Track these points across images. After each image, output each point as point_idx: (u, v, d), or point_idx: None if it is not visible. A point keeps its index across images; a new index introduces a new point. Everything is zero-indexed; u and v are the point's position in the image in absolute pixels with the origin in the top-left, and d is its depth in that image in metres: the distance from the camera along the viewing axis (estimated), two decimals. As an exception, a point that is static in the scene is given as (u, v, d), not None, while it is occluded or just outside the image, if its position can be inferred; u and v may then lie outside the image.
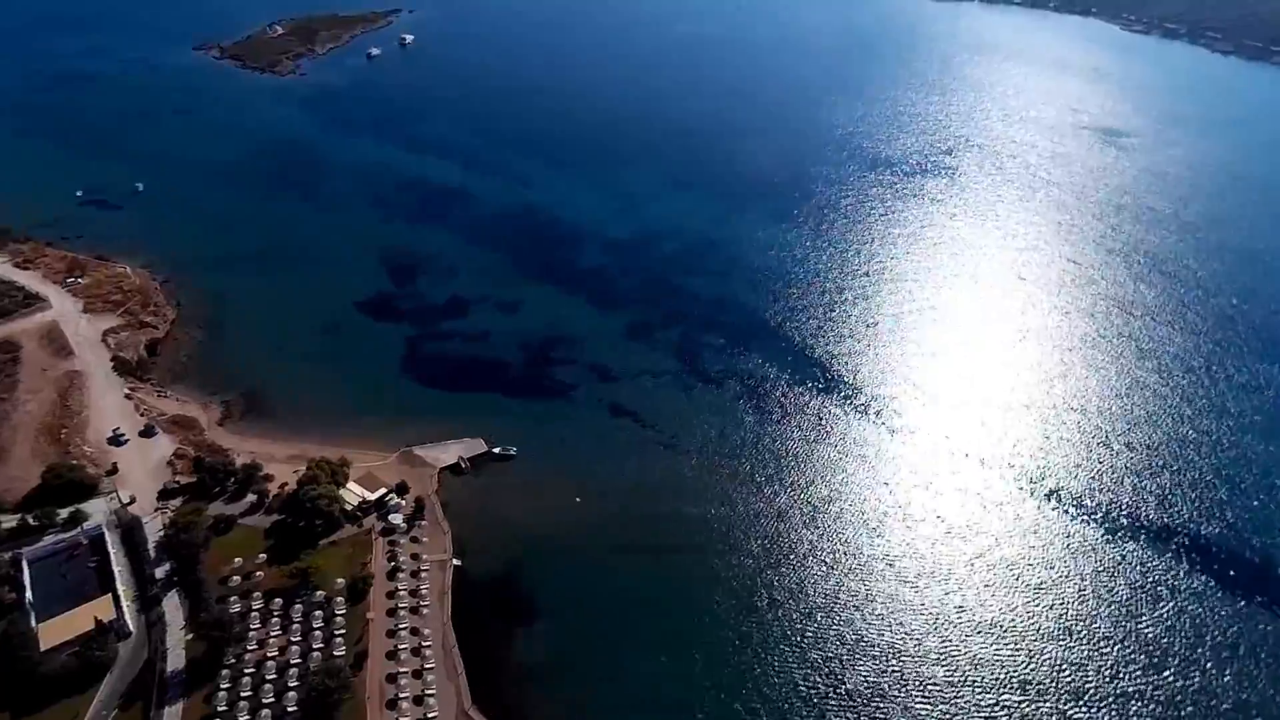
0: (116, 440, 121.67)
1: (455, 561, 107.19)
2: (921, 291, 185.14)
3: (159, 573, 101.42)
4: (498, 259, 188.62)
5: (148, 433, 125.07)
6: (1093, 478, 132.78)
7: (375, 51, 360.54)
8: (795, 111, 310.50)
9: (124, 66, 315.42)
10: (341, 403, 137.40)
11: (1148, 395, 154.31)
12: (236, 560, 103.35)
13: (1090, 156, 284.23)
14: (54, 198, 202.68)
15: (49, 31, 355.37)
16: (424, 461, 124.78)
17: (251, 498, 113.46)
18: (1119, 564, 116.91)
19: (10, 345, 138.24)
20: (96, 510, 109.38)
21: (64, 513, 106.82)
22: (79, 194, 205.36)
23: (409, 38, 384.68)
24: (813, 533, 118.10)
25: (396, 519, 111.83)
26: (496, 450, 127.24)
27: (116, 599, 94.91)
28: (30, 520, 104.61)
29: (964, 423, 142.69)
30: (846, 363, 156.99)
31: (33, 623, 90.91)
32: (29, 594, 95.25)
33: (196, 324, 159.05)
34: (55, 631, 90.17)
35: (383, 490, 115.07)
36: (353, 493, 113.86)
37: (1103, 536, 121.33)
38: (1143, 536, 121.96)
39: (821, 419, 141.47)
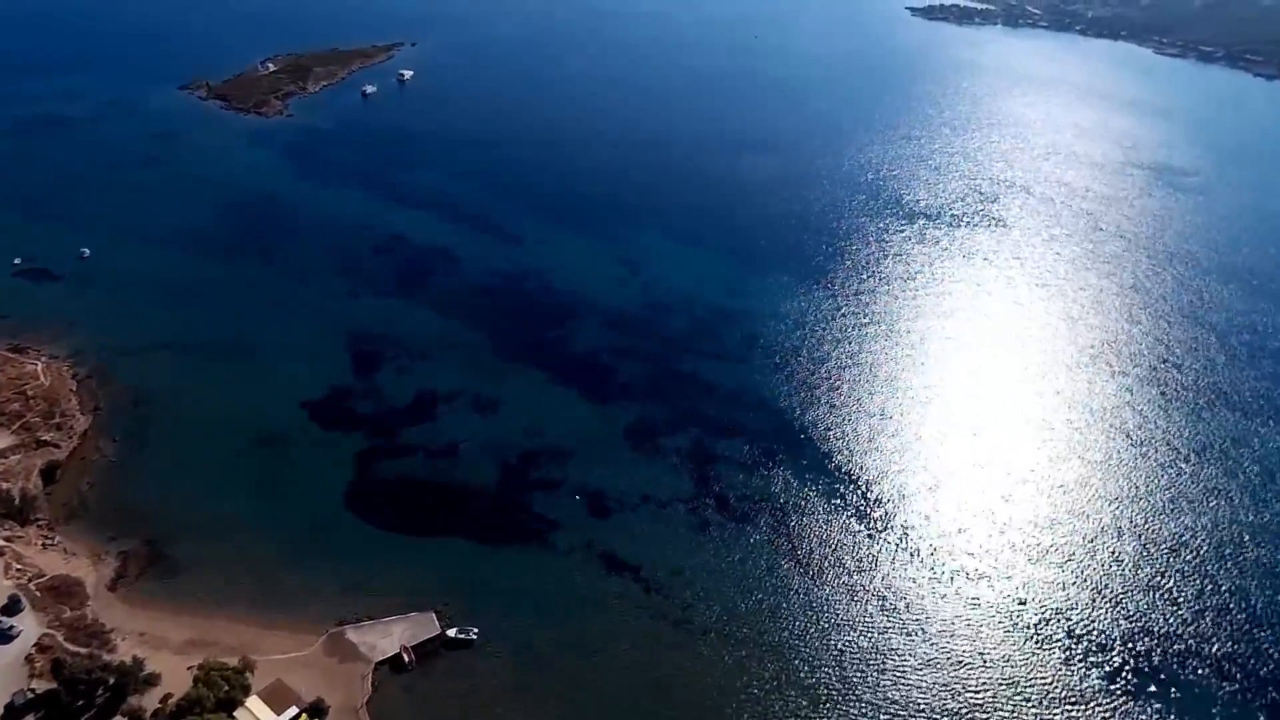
0: (4, 635, 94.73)
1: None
2: (987, 385, 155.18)
3: None
4: (478, 339, 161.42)
5: (11, 608, 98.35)
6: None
7: (370, 89, 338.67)
8: (817, 154, 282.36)
9: (99, 109, 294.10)
10: (265, 553, 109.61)
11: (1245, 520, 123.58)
12: (76, 835, 75.73)
13: (1148, 199, 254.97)
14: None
15: (19, 74, 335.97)
16: (356, 652, 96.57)
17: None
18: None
19: None
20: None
21: None
22: (16, 261, 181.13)
23: (407, 74, 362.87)
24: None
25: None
26: (452, 633, 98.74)
27: None
28: None
29: (1061, 587, 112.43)
30: (901, 485, 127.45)
31: None
32: None
33: (114, 434, 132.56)
34: None
35: (292, 711, 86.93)
36: (251, 715, 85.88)
37: None
38: None
39: (876, 571, 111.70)
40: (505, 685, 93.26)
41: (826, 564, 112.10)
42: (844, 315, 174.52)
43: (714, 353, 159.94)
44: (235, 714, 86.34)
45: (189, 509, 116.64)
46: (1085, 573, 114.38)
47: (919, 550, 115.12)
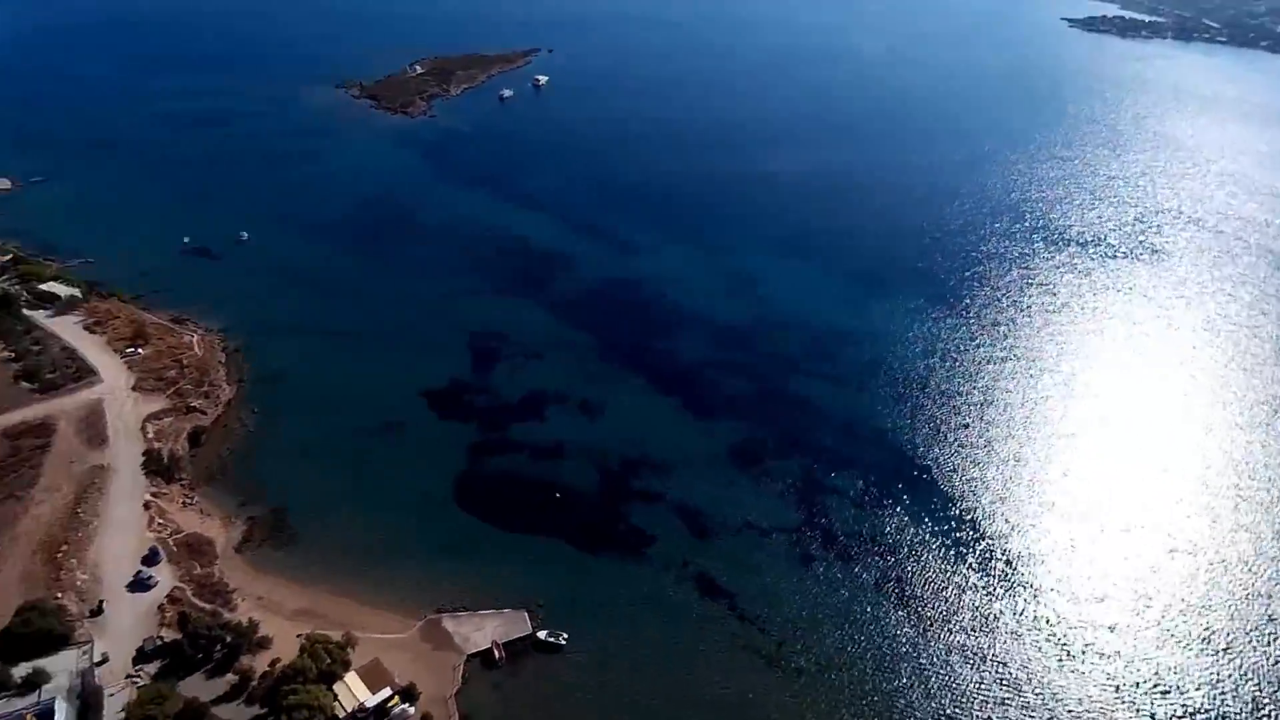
0: (142, 584, 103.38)
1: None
2: (1141, 439, 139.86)
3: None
4: (588, 343, 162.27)
5: (150, 559, 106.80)
6: None
7: (507, 93, 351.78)
8: (957, 171, 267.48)
9: (264, 105, 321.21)
10: (376, 533, 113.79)
11: None
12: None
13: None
14: (162, 244, 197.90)
15: (194, 72, 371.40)
16: (450, 641, 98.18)
17: (232, 678, 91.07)
18: None
19: (45, 429, 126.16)
20: (62, 669, 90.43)
21: (23, 670, 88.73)
22: (185, 240, 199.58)
23: (542, 79, 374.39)
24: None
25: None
26: (542, 635, 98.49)
27: (28, 830, 74.13)
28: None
29: (1215, 681, 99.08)
30: (1033, 541, 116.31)
31: None
32: (-55, 795, 76.46)
33: (253, 406, 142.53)
34: None
35: (386, 693, 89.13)
36: (349, 691, 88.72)
37: None
38: None
39: (996, 635, 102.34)
40: (589, 695, 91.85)
41: (940, 619, 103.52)
42: (979, 347, 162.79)
43: (830, 376, 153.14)
44: (334, 687, 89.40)
45: (313, 483, 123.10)
46: (1246, 668, 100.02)
47: (1048, 618, 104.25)
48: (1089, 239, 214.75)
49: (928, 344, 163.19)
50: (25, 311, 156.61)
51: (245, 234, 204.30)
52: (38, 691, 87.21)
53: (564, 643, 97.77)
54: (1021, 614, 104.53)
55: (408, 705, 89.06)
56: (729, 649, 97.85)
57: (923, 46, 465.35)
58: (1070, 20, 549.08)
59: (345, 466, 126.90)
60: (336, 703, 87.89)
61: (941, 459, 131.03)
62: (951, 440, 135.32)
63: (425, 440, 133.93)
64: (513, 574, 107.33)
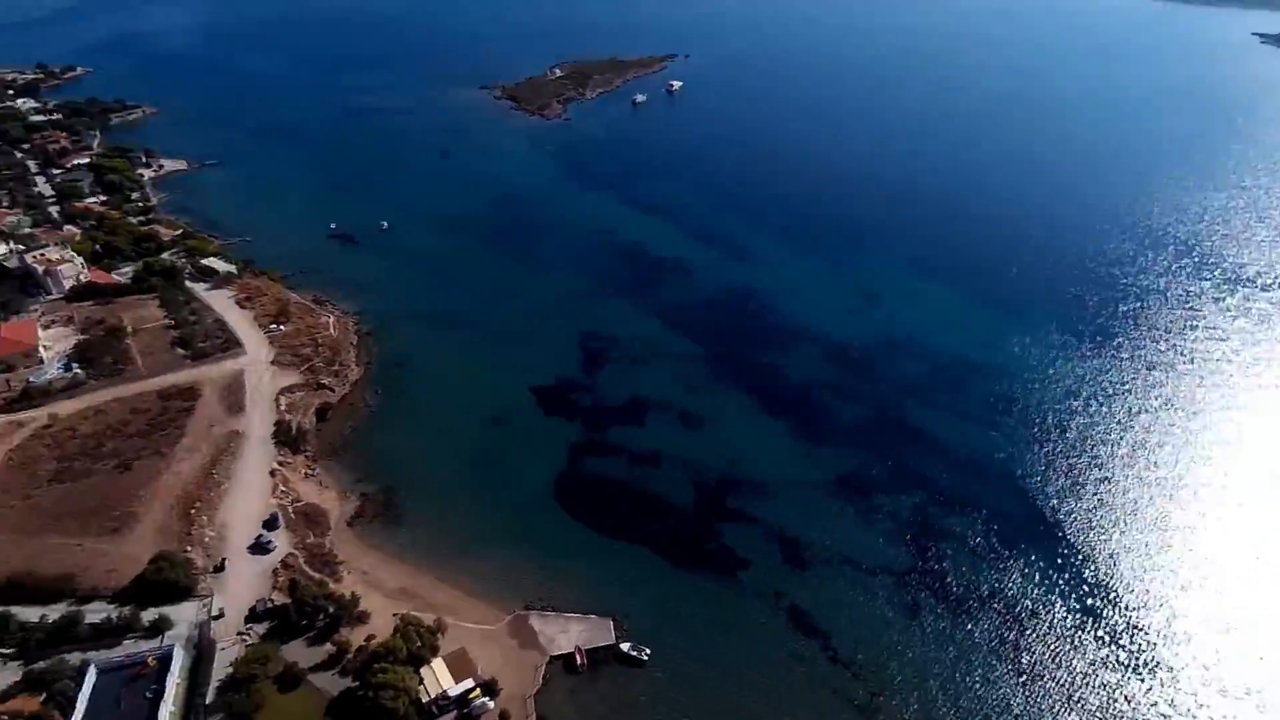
0: (261, 547, 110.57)
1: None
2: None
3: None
4: (696, 353, 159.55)
5: (271, 523, 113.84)
6: None
7: (640, 98, 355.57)
8: (1115, 194, 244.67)
9: (413, 102, 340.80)
10: (476, 523, 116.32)
11: None
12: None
13: None
14: (311, 228, 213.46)
15: (354, 69, 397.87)
16: (535, 640, 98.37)
17: (330, 648, 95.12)
18: None
19: (192, 393, 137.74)
20: (184, 619, 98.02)
21: (150, 616, 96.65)
22: (332, 226, 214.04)
23: (676, 85, 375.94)
24: None
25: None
26: (625, 647, 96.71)
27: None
28: (114, 618, 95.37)
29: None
30: (1179, 618, 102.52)
31: (56, 768, 78.58)
32: (77, 716, 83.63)
33: (377, 388, 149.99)
34: (65, 794, 76.85)
35: (468, 684, 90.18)
36: (434, 677, 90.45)
37: None
38: None
39: None
40: (665, 717, 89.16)
41: (1063, 693, 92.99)
42: (1130, 393, 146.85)
43: (955, 409, 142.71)
44: (421, 671, 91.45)
45: (423, 467, 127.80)
46: None
47: (1191, 709, 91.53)
48: (1269, 281, 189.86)
49: (1071, 384, 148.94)
50: (188, 284, 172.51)
51: (385, 223, 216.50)
52: (161, 637, 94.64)
53: (646, 658, 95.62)
54: (1160, 700, 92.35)
55: (488, 699, 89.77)
56: (817, 691, 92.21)
57: (1096, 61, 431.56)
58: (1263, 35, 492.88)
59: (454, 454, 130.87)
60: (421, 686, 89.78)
61: (1078, 514, 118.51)
62: (1091, 495, 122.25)
63: (529, 435, 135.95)
64: (601, 579, 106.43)
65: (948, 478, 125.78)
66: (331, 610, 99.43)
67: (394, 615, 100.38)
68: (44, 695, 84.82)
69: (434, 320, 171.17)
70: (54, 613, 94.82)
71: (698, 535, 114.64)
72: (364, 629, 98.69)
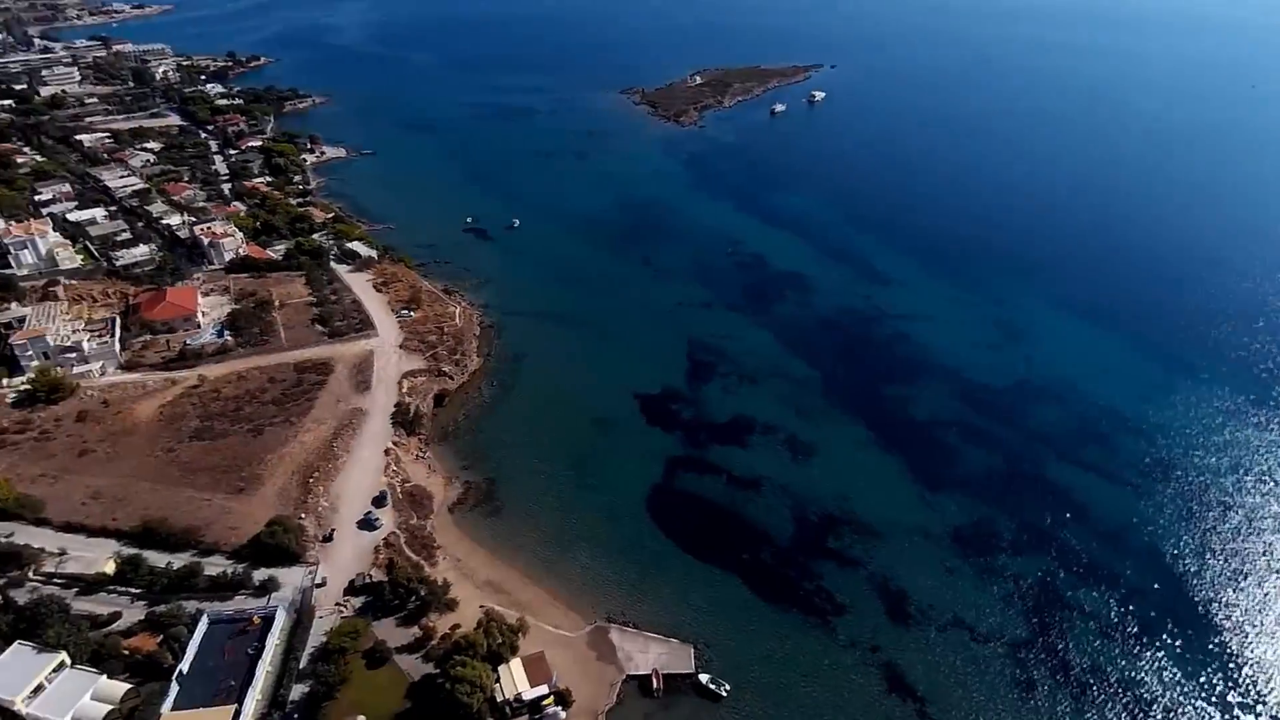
0: (369, 522, 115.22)
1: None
2: None
3: (295, 694, 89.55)
4: (811, 377, 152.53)
5: (380, 501, 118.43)
6: None
7: (780, 108, 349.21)
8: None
9: (554, 105, 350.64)
10: (569, 525, 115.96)
11: None
12: (359, 719, 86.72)
13: None
14: (449, 220, 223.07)
15: (504, 70, 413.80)
16: (613, 655, 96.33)
17: (416, 632, 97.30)
18: None
19: (325, 368, 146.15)
20: (290, 583, 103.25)
21: (261, 575, 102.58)
22: (468, 220, 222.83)
23: (819, 95, 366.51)
24: None
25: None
26: (704, 678, 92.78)
27: (236, 717, 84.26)
28: (229, 573, 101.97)
29: None
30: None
31: (165, 709, 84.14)
32: (186, 663, 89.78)
33: (492, 380, 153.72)
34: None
35: (543, 690, 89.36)
36: (510, 678, 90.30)
37: None
38: None
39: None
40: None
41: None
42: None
43: (1100, 468, 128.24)
44: (499, 668, 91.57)
45: (525, 462, 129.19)
46: None
47: None
48: None
49: (1240, 456, 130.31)
50: (332, 264, 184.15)
51: (517, 220, 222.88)
52: (268, 597, 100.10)
53: (725, 694, 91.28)
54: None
55: (560, 709, 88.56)
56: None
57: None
58: None
59: (556, 452, 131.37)
60: (497, 685, 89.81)
61: (1236, 607, 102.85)
62: (1255, 588, 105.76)
63: (630, 442, 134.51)
64: (686, 602, 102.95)
65: (1083, 545, 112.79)
66: (423, 594, 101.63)
67: (480, 607, 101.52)
68: (161, 637, 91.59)
69: (553, 318, 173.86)
70: (178, 561, 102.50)
71: (793, 571, 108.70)
72: (451, 617, 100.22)
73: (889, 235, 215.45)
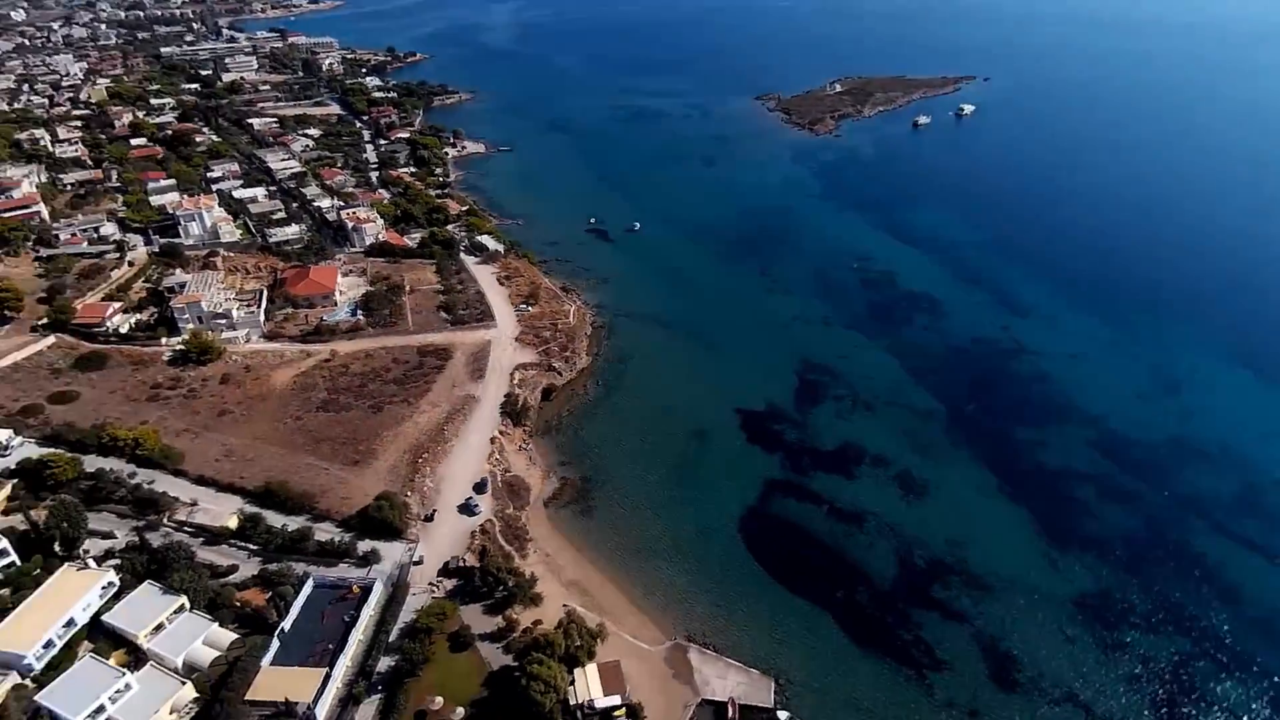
0: (469, 507, 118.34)
1: None
2: None
3: (382, 666, 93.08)
4: (934, 410, 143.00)
5: (480, 487, 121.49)
6: None
7: (923, 120, 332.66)
8: None
9: (689, 110, 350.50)
10: (659, 535, 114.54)
11: None
12: (437, 700, 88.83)
13: None
14: (573, 219, 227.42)
15: (642, 74, 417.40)
16: (690, 676, 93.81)
17: (500, 622, 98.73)
18: None
19: (445, 353, 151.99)
20: (390, 558, 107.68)
21: (365, 547, 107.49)
22: (591, 220, 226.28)
23: (968, 108, 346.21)
24: None
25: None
26: (782, 716, 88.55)
27: (326, 681, 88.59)
28: (336, 541, 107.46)
29: None
30: None
31: (264, 663, 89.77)
32: (288, 621, 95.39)
33: (598, 379, 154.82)
34: (265, 685, 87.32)
35: (615, 700, 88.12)
36: (585, 683, 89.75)
37: None
38: None
39: None
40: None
41: None
42: None
43: (1261, 545, 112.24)
44: (574, 671, 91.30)
45: (622, 465, 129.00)
46: None
47: None
48: None
49: None
50: (462, 255, 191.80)
51: (638, 223, 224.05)
52: (368, 569, 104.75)
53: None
54: None
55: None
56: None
57: None
58: None
59: (653, 459, 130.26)
60: (571, 687, 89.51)
61: None
62: None
63: (728, 457, 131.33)
64: (772, 632, 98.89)
65: (1231, 630, 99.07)
66: (510, 585, 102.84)
67: (563, 606, 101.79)
68: (270, 594, 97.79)
69: (663, 323, 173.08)
70: (293, 524, 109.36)
71: (890, 617, 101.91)
72: (534, 611, 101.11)
73: (1035, 262, 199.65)
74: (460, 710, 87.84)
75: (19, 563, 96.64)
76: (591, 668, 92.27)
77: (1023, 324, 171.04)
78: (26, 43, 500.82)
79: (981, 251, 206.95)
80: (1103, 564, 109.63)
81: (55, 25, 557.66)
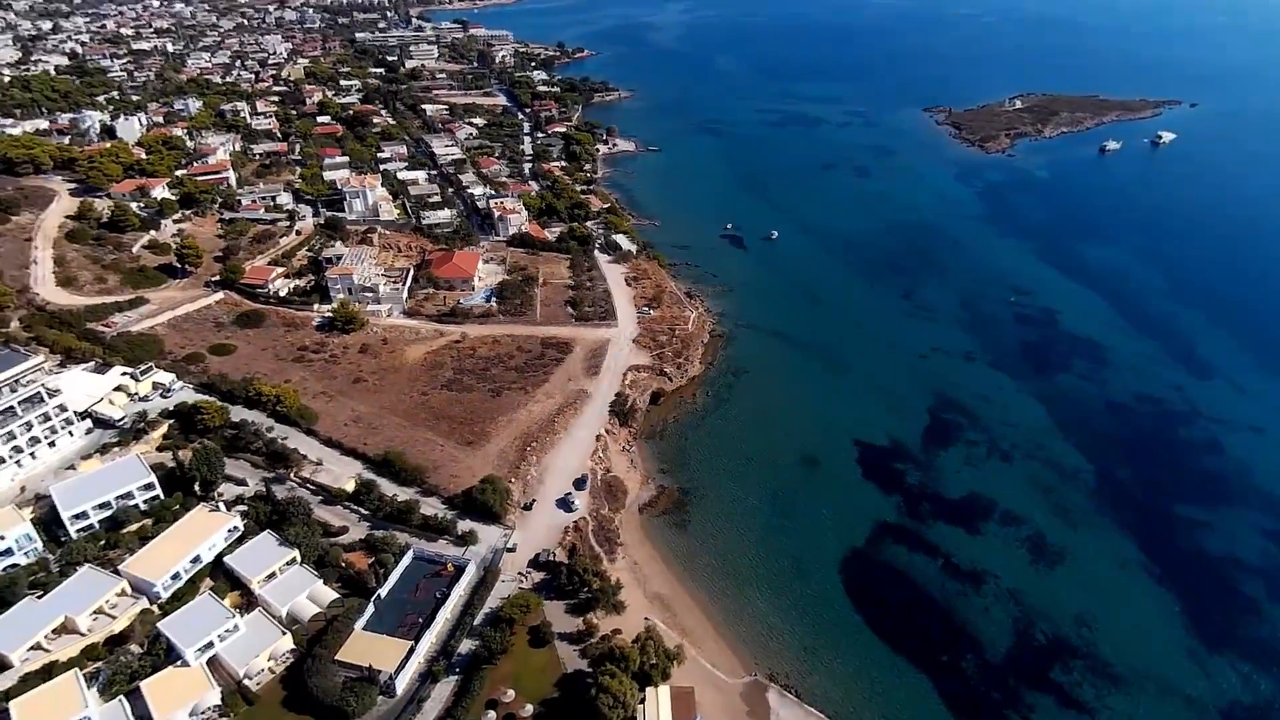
0: (566, 503, 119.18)
1: None
2: None
3: (463, 648, 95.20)
4: (1081, 469, 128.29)
5: (579, 484, 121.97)
6: None
7: (1113, 145, 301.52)
8: None
9: (849, 118, 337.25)
10: (754, 562, 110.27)
11: None
12: (509, 693, 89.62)
13: None
14: (709, 224, 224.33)
15: (804, 79, 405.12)
16: (766, 716, 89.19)
17: (580, 625, 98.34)
18: None
19: (565, 348, 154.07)
20: (486, 541, 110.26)
21: (464, 527, 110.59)
22: (728, 226, 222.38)
23: (1166, 136, 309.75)
24: None
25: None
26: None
27: (410, 654, 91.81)
28: (439, 517, 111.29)
29: None
30: None
31: (357, 626, 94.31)
32: (385, 589, 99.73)
33: (709, 389, 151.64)
34: (355, 649, 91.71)
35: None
36: (655, 705, 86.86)
37: None
38: None
39: None
40: None
41: None
42: None
43: None
44: (645, 690, 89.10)
45: (723, 481, 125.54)
46: None
47: None
48: None
49: None
50: (595, 253, 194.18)
51: (775, 232, 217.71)
52: (465, 549, 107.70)
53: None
54: None
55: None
56: None
57: None
58: None
59: (757, 480, 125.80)
60: (640, 706, 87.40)
61: None
62: None
63: (838, 491, 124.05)
64: (862, 688, 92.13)
65: None
66: (595, 588, 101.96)
67: (644, 619, 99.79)
68: (372, 559, 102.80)
69: (786, 339, 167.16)
70: (403, 495, 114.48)
71: (998, 693, 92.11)
72: (615, 619, 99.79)
73: (1226, 318, 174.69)
74: (530, 708, 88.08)
75: (163, 497, 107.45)
76: (664, 690, 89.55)
77: (1200, 385, 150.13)
78: (245, 23, 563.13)
79: (1163, 298, 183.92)
80: (1263, 675, 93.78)
81: (271, 8, 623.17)
